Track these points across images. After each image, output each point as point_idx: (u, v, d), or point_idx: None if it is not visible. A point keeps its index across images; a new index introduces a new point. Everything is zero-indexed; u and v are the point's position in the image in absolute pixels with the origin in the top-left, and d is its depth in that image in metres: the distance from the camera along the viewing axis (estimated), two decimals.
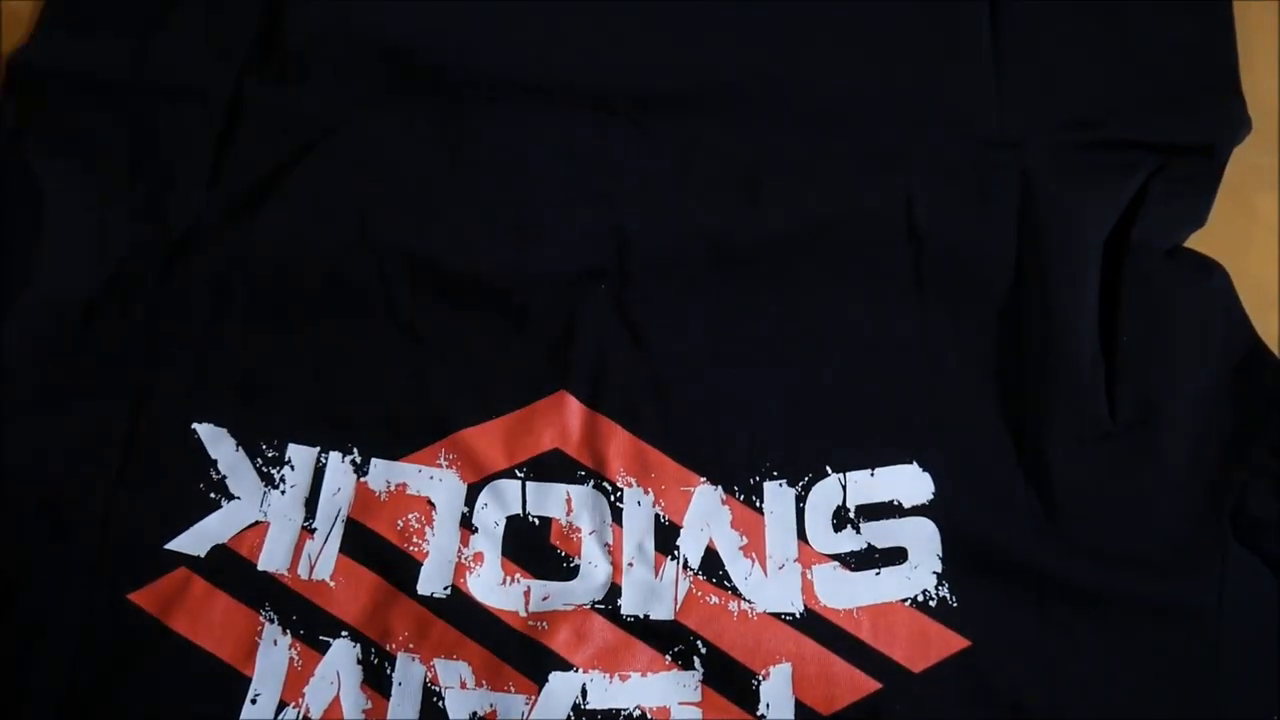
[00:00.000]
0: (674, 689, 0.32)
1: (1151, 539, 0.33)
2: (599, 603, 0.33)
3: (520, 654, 0.33)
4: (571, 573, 0.34)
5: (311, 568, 0.33)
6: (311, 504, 0.34)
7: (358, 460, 0.34)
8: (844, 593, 0.34)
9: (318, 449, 0.35)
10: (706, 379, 0.35)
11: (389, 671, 0.32)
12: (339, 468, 0.34)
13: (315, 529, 0.34)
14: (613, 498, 0.34)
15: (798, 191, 0.37)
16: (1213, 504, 0.33)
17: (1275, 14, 0.42)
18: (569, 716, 0.32)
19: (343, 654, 0.32)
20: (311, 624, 0.33)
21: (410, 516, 0.34)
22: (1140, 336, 0.36)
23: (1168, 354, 0.36)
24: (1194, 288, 0.37)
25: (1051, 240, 0.36)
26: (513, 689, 0.32)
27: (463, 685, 0.32)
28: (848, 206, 0.37)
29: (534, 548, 0.34)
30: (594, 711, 0.32)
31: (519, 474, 0.34)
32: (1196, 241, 0.38)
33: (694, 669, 0.33)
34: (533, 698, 0.32)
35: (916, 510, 0.34)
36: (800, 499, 0.34)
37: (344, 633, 0.33)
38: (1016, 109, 0.38)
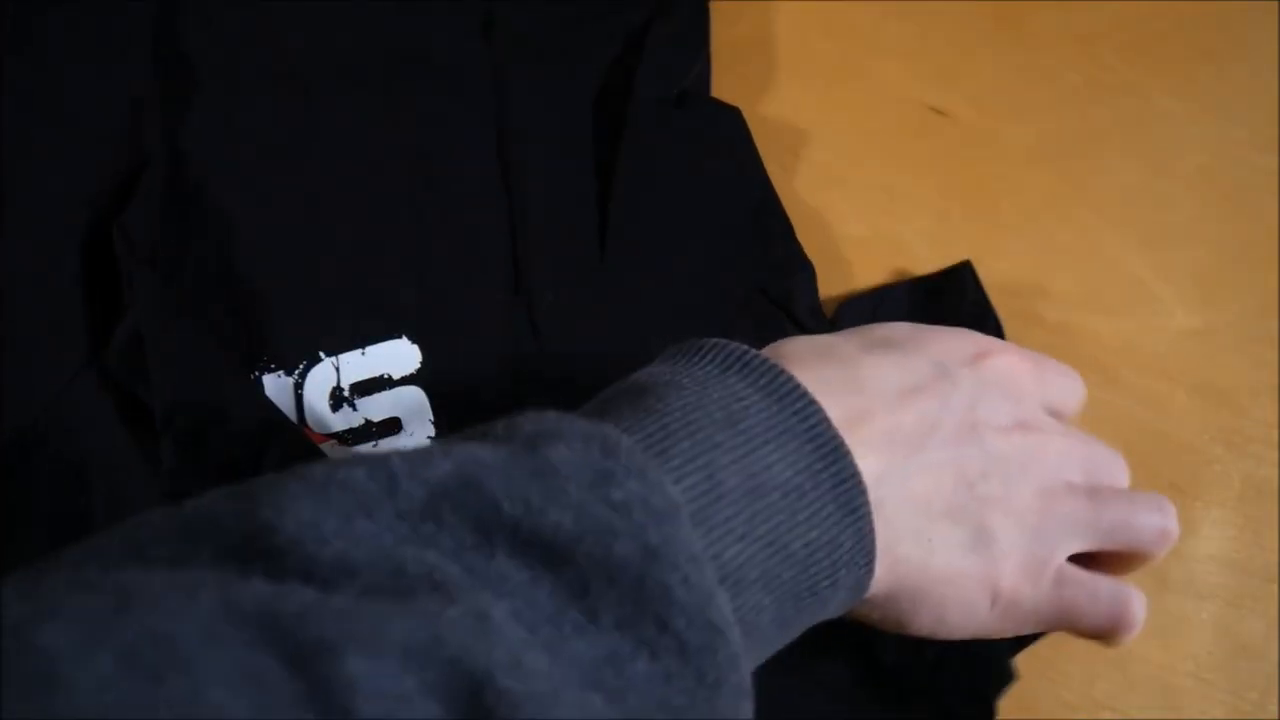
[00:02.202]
0: None
1: None
2: None
3: None
4: None
5: None
6: None
7: None
8: None
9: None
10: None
11: None
12: None
13: None
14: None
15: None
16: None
17: (1275, 14, 0.42)
18: None
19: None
20: None
21: None
22: (634, 182, 0.37)
23: (661, 200, 0.37)
24: (697, 136, 0.38)
25: (536, 103, 0.38)
26: None
27: None
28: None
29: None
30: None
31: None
32: (1196, 241, 0.39)
33: None
34: None
35: (406, 380, 0.35)
36: (298, 386, 0.35)
37: None
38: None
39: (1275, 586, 0.36)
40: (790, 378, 0.25)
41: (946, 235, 0.39)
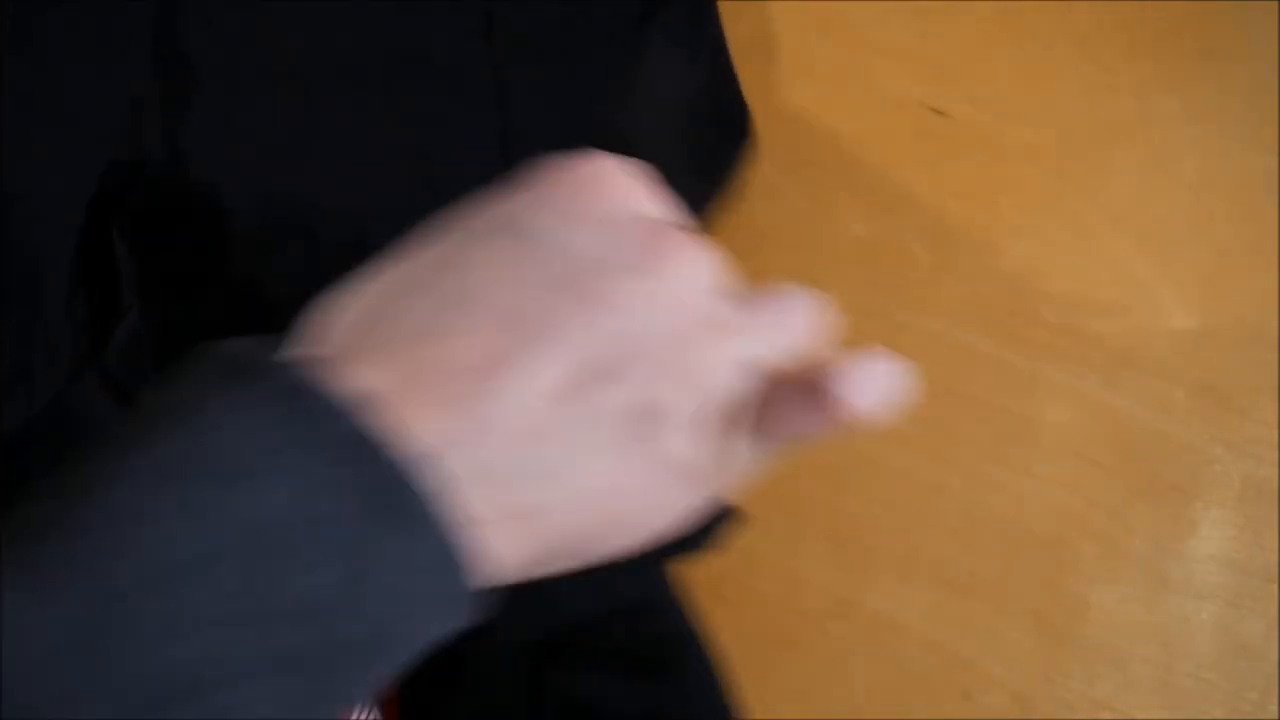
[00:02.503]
0: None
1: None
2: None
3: None
4: None
5: None
6: None
7: None
8: None
9: None
10: None
11: None
12: None
13: None
14: None
15: None
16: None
17: (1275, 14, 0.42)
18: None
19: None
20: None
21: None
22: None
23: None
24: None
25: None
26: None
27: None
28: None
29: None
30: None
31: None
32: (1196, 241, 0.39)
33: None
34: None
35: None
36: None
37: None
38: None
39: (1275, 586, 0.36)
40: (297, 373, 0.20)
41: (946, 235, 0.39)
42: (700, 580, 0.38)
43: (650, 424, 0.21)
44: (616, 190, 0.23)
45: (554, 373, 0.21)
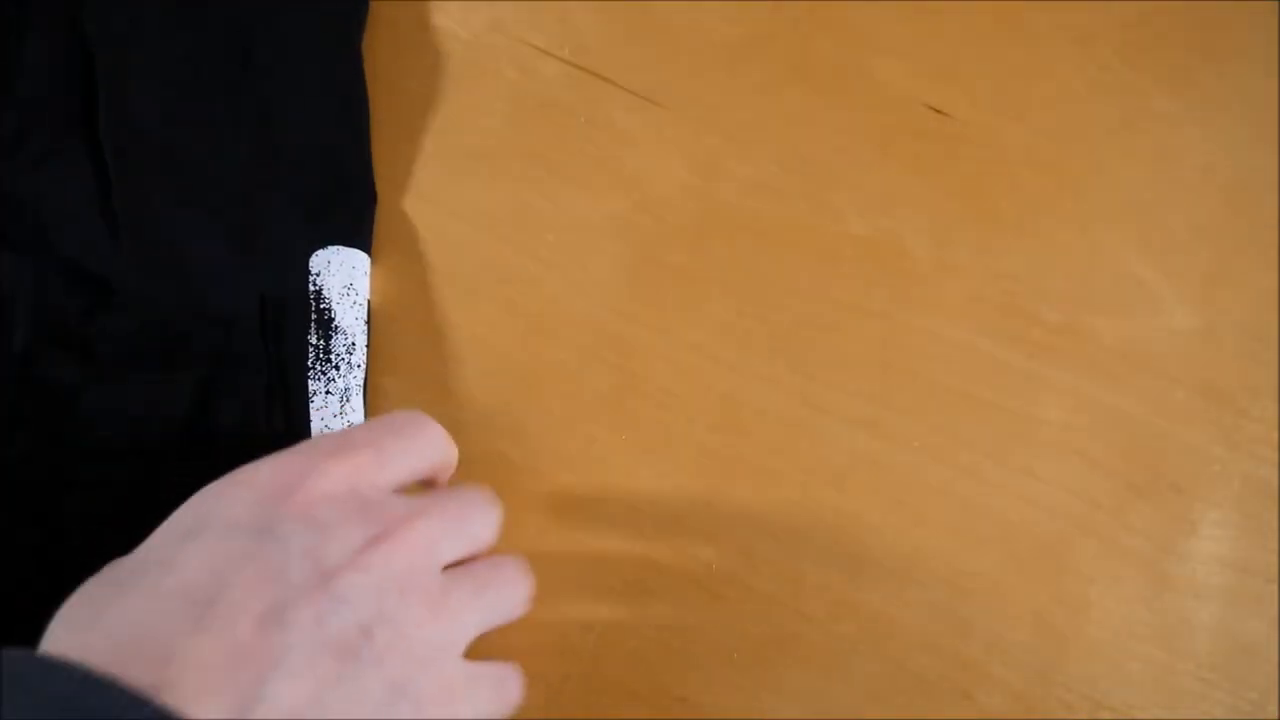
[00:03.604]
0: None
1: None
2: None
3: None
4: None
5: None
6: None
7: None
8: None
9: None
10: None
11: None
12: None
13: None
14: None
15: None
16: None
17: (1275, 14, 0.42)
18: None
19: None
20: None
21: None
22: None
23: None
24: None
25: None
26: None
27: None
28: None
29: None
30: None
31: None
32: (1196, 241, 0.39)
33: None
34: None
35: None
36: None
37: None
38: None
39: (1275, 586, 0.36)
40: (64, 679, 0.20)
41: (946, 235, 0.39)
42: (700, 580, 0.38)
43: (399, 698, 0.24)
44: (329, 480, 0.26)
45: (297, 681, 0.22)
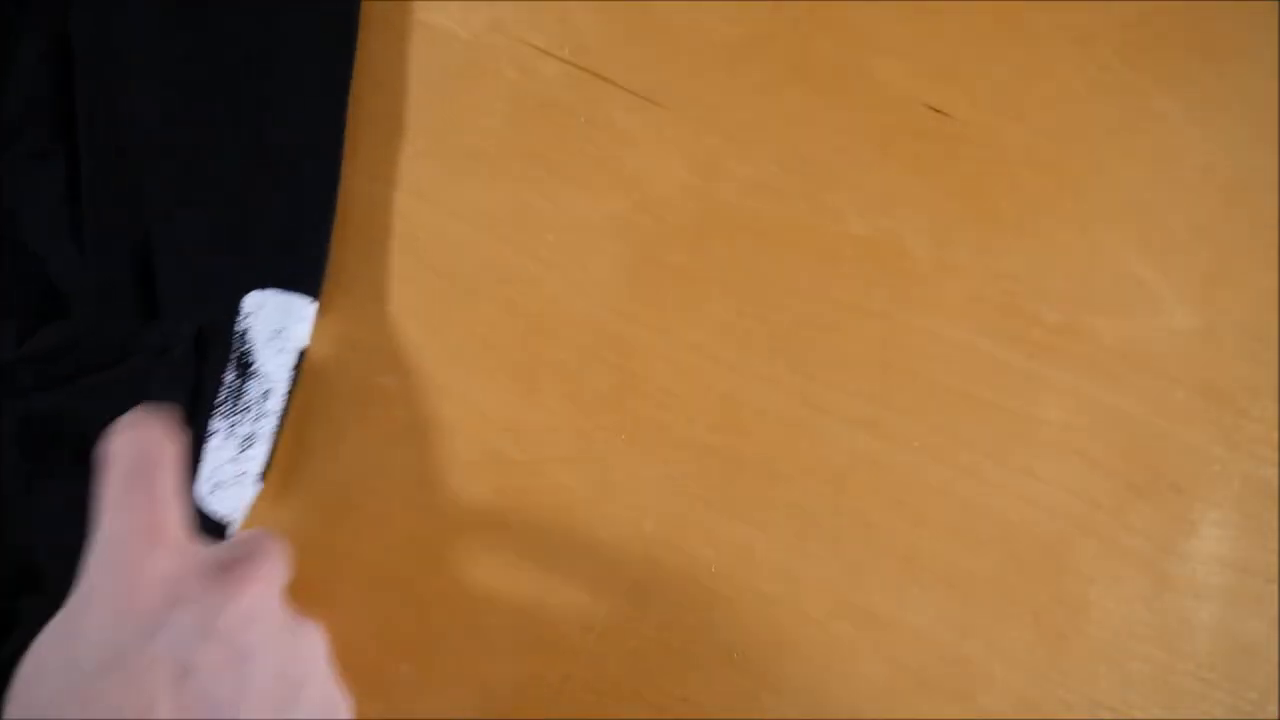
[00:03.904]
0: None
1: None
2: None
3: None
4: None
5: None
6: None
7: None
8: None
9: None
10: None
11: None
12: None
13: None
14: None
15: None
16: None
17: (1275, 14, 0.42)
18: None
19: None
20: None
21: None
22: None
23: None
24: None
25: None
26: None
27: None
28: None
29: None
30: None
31: None
32: (1196, 241, 0.39)
33: None
34: None
35: None
36: None
37: None
38: None
39: (1275, 586, 0.36)
40: None
41: (946, 235, 0.39)
42: (699, 580, 0.38)
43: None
44: (160, 565, 0.29)
45: None
